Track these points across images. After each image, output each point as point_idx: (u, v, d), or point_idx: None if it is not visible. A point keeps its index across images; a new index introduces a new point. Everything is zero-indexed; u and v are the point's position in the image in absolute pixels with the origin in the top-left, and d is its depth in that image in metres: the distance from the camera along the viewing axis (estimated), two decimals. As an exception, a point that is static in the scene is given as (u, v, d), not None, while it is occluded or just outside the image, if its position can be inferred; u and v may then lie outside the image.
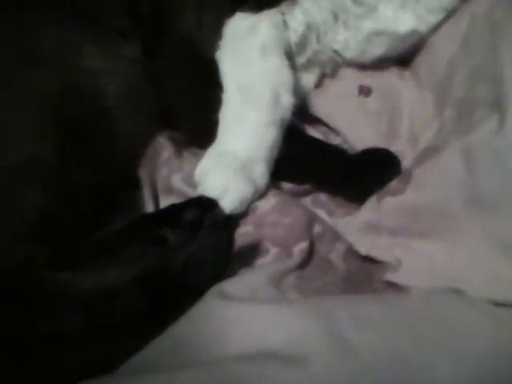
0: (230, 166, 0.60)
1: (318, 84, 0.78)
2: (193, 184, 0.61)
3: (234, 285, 0.50)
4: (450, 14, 0.72)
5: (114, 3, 0.65)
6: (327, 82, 0.78)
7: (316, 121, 0.74)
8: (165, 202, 0.62)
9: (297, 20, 0.72)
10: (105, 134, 0.61)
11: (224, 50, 0.69)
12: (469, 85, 0.62)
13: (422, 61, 0.75)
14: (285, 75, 0.67)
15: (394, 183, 0.59)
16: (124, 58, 0.64)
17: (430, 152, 0.61)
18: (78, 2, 0.64)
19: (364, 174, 0.65)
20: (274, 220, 0.58)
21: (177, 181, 0.62)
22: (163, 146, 0.65)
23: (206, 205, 0.56)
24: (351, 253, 0.57)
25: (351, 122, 0.71)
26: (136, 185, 0.64)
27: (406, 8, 0.71)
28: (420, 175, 0.57)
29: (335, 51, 0.75)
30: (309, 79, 0.78)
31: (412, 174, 0.58)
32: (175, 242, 0.55)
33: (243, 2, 0.71)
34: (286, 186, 0.66)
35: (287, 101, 0.66)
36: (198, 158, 0.63)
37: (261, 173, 0.62)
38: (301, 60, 0.75)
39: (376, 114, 0.71)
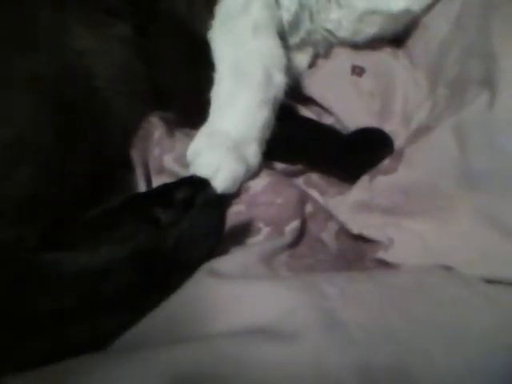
0: (222, 145, 0.60)
1: (312, 64, 0.78)
2: (185, 164, 0.60)
3: (226, 263, 0.50)
4: (444, -6, 0.71)
5: None
6: (320, 61, 0.77)
7: (309, 101, 0.74)
8: (157, 181, 0.62)
9: (290, -1, 0.71)
10: (97, 114, 0.60)
11: (216, 30, 0.69)
12: (461, 63, 0.61)
13: (416, 41, 0.75)
14: (277, 55, 0.66)
15: (386, 162, 0.59)
16: (115, 37, 0.63)
17: (423, 131, 0.61)
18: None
19: (356, 153, 0.65)
20: (267, 200, 0.58)
21: (169, 161, 0.62)
22: (155, 126, 0.64)
23: (198, 184, 0.56)
24: (343, 232, 0.57)
25: (344, 101, 0.71)
26: (128, 165, 0.63)
27: (400, -14, 0.70)
28: (412, 153, 0.57)
29: (328, 31, 0.75)
30: (302, 59, 0.77)
31: (404, 153, 0.58)
32: (167, 221, 0.55)
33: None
34: (279, 166, 0.65)
35: (280, 80, 0.65)
36: (190, 137, 0.63)
37: (253, 152, 0.61)
38: (294, 40, 0.74)
39: (369, 94, 0.70)
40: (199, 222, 0.52)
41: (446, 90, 0.63)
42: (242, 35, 0.67)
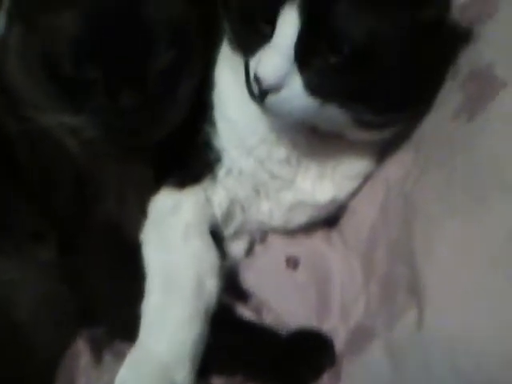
0: (149, 374, 0.56)
1: (248, 251, 0.78)
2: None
3: None
4: (367, 177, 0.73)
5: (24, 206, 0.64)
6: (257, 248, 0.77)
7: (248, 294, 0.72)
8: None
9: (220, 196, 0.72)
10: (19, 349, 0.58)
11: (148, 232, 0.68)
12: (388, 263, 0.62)
13: (347, 223, 0.75)
14: (209, 258, 0.66)
15: (325, 379, 0.56)
16: (38, 262, 0.62)
17: (359, 336, 0.59)
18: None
19: (296, 362, 0.62)
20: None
21: (96, 394, 0.58)
22: (81, 352, 0.61)
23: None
24: None
25: (281, 297, 0.69)
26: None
27: (324, 177, 0.72)
28: (349, 375, 0.55)
29: (261, 221, 0.75)
30: (238, 247, 0.77)
31: (341, 371, 0.56)
32: None
33: (167, 179, 0.72)
34: (216, 380, 0.62)
35: (212, 286, 0.64)
36: (119, 359, 0.59)
37: (184, 375, 0.58)
38: (228, 231, 0.75)
39: (305, 288, 0.69)
40: None
41: (377, 287, 0.62)
42: (173, 239, 0.67)
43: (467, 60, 0.64)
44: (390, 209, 0.67)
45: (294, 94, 0.56)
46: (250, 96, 0.61)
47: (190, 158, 0.72)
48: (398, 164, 0.69)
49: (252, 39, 0.58)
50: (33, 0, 0.61)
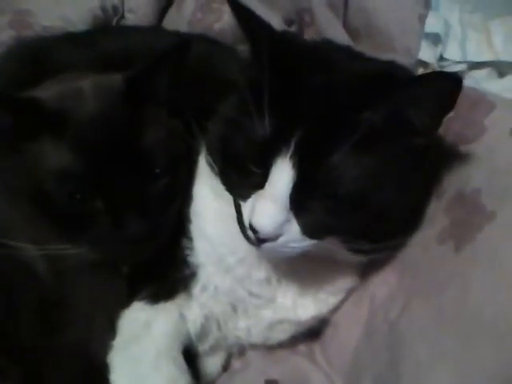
0: None
1: (226, 366, 0.73)
2: None
3: None
4: (351, 291, 0.70)
5: None
6: (235, 364, 0.73)
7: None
8: None
9: (194, 313, 0.69)
10: None
11: (116, 354, 0.64)
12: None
13: (330, 339, 0.72)
14: None
15: None
16: None
17: None
18: None
19: None
20: None
21: None
22: None
23: None
24: None
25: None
26: None
27: (306, 295, 0.68)
28: None
29: (238, 337, 0.71)
30: (214, 363, 0.73)
31: None
32: None
33: (139, 291, 0.68)
34: None
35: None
36: None
37: None
38: (203, 347, 0.71)
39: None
40: None
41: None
42: (143, 366, 0.63)
43: (453, 180, 0.63)
44: (375, 335, 0.64)
45: (293, 238, 0.55)
46: (244, 237, 0.58)
47: (164, 271, 0.68)
48: (383, 282, 0.66)
49: (242, 182, 0.57)
50: (16, 128, 0.58)
